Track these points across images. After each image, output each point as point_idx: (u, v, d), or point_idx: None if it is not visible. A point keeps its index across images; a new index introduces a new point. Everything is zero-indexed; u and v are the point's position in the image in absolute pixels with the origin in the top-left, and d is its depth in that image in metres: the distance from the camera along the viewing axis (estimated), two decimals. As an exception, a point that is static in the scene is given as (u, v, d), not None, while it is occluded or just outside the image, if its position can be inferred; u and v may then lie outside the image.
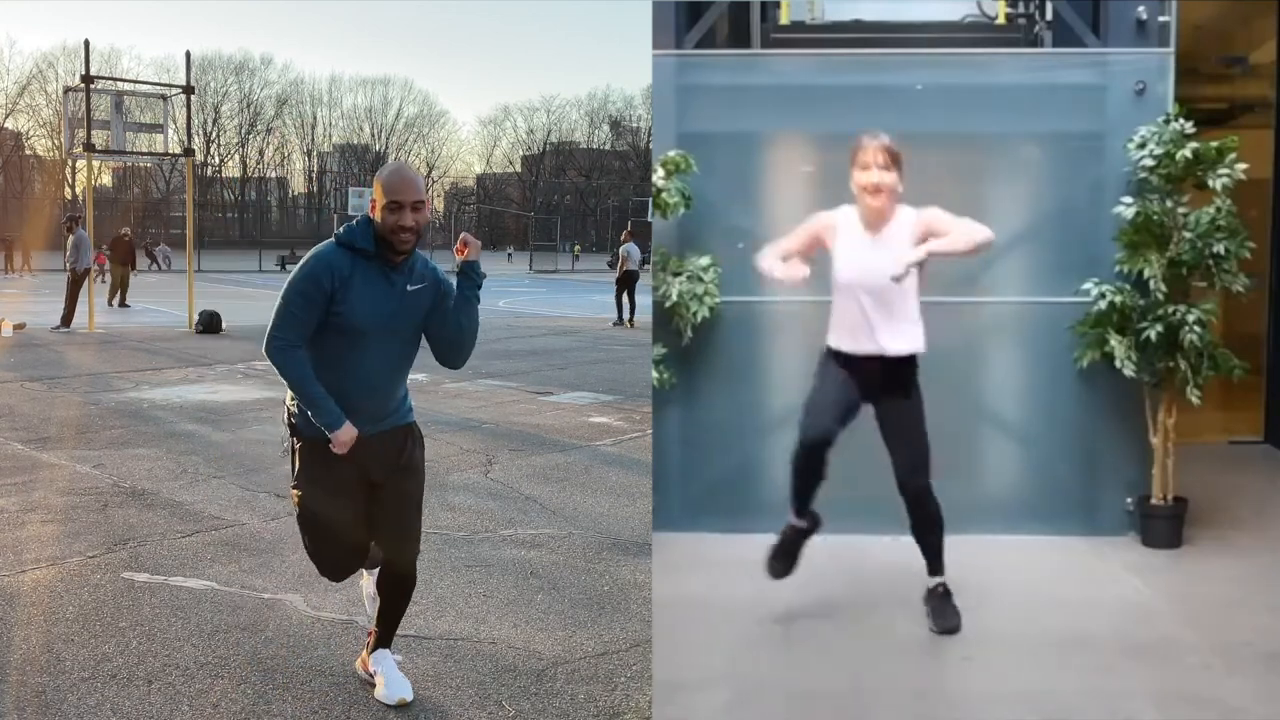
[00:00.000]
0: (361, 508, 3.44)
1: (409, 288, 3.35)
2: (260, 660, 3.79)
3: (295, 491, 3.44)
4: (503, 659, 3.84)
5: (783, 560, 4.13)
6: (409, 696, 3.47)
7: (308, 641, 3.98)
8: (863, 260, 3.90)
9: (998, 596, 4.34)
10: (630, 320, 19.18)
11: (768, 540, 4.40)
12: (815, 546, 4.64)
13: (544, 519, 5.81)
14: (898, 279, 3.81)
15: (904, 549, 4.24)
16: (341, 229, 3.35)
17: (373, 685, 3.55)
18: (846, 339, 3.96)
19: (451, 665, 3.80)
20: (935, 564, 4.08)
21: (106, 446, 7.48)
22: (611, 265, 54.75)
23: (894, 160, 3.82)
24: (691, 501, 5.09)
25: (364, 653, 3.67)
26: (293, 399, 3.38)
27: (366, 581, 3.75)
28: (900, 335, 3.90)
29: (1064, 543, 4.89)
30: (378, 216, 3.27)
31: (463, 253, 3.45)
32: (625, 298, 19.43)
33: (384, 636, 3.61)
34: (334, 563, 3.56)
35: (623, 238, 20.76)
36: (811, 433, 3.95)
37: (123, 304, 21.51)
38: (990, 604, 4.25)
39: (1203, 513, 5.09)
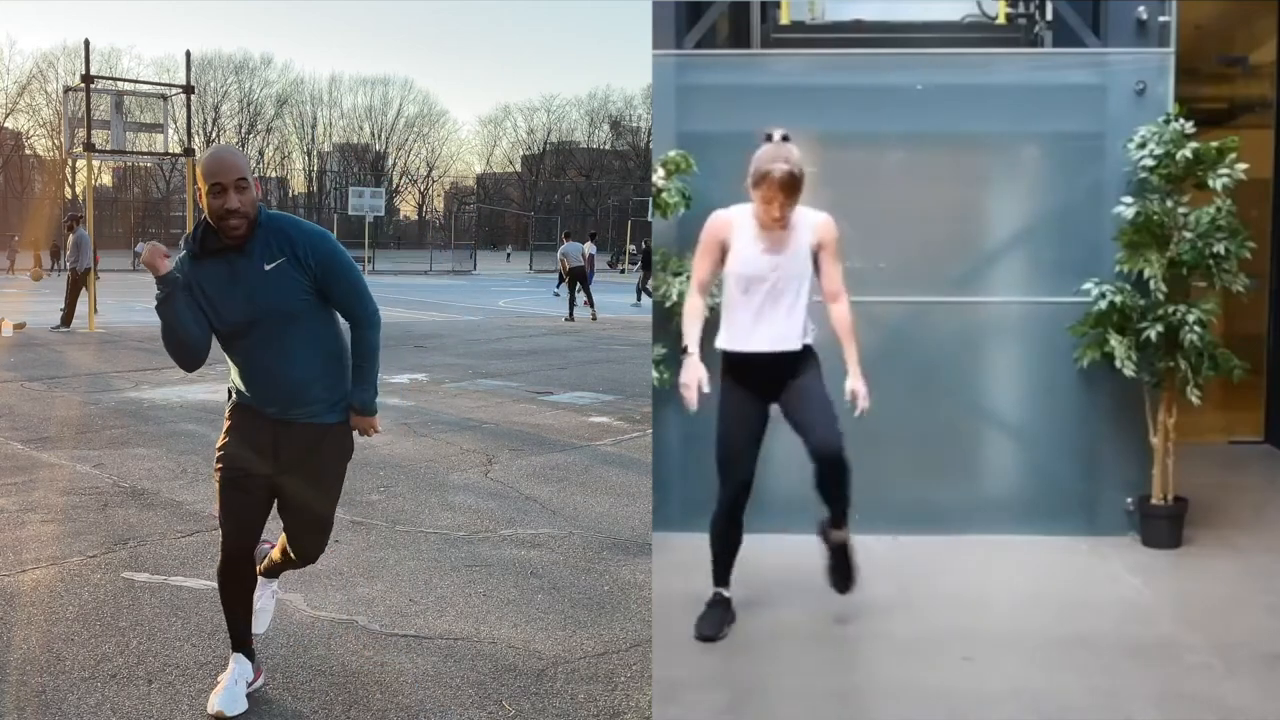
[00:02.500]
0: (267, 482, 3.39)
1: (265, 267, 3.19)
2: (260, 660, 3.78)
3: (219, 454, 3.45)
4: (503, 659, 3.84)
5: (713, 628, 4.02)
6: (261, 630, 3.71)
7: (308, 641, 3.98)
8: (762, 256, 3.86)
9: (998, 596, 4.34)
10: (584, 312, 20.51)
11: (768, 540, 4.40)
12: (815, 547, 4.64)
13: (544, 519, 5.81)
14: (861, 412, 3.87)
15: (904, 549, 4.26)
16: (184, 239, 3.32)
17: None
18: (740, 337, 3.90)
19: (451, 665, 3.80)
20: (839, 515, 4.02)
21: (106, 446, 7.48)
22: (612, 265, 54.89)
23: (796, 188, 3.73)
24: (691, 501, 5.08)
25: (264, 563, 3.71)
26: (232, 377, 3.40)
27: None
28: (796, 331, 3.86)
29: (1064, 543, 4.89)
30: (204, 205, 3.18)
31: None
32: (578, 292, 20.82)
33: (271, 571, 3.74)
34: (228, 523, 3.43)
35: (563, 239, 22.80)
36: (732, 485, 3.94)
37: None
38: (990, 604, 4.25)
39: (1203, 513, 5.09)
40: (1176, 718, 3.39)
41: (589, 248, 27.51)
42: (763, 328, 3.87)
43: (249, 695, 3.45)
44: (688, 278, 4.89)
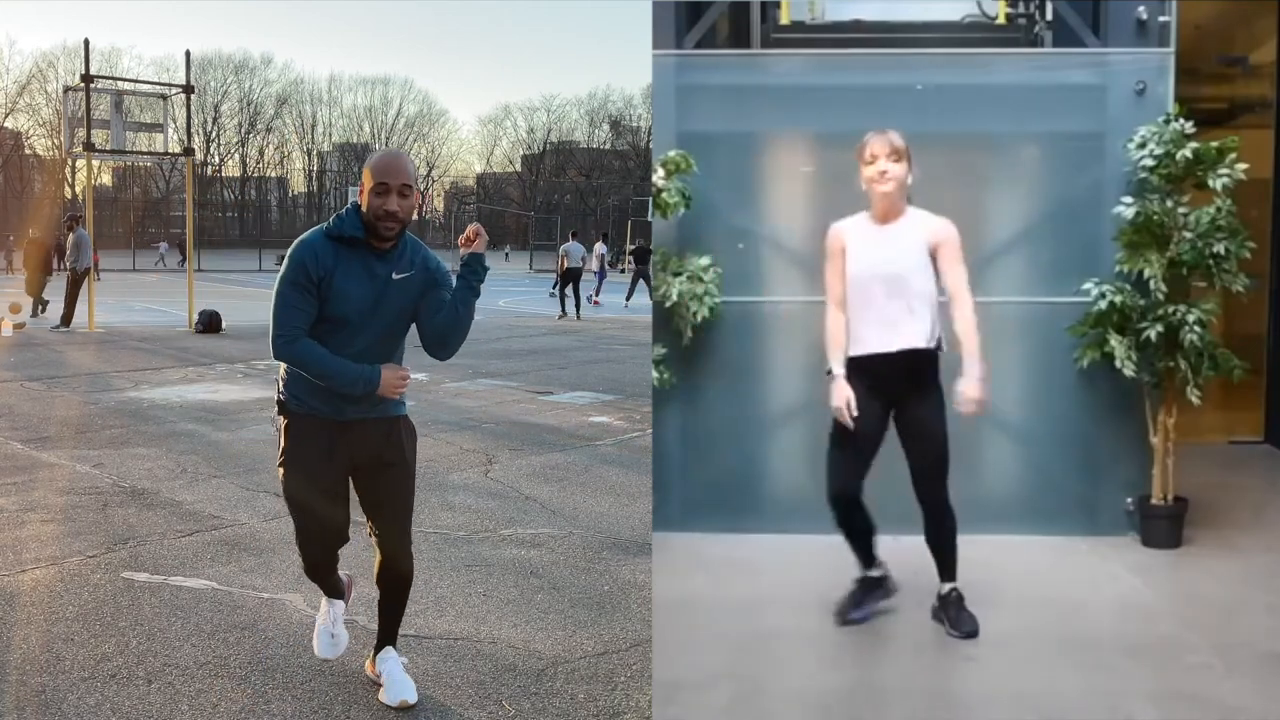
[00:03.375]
0: (342, 489, 3.43)
1: (395, 276, 3.31)
2: (260, 660, 3.79)
3: (281, 470, 3.44)
4: (503, 659, 3.84)
5: (850, 605, 4.09)
6: (411, 699, 3.45)
7: (308, 641, 3.98)
8: (874, 253, 3.90)
9: (998, 596, 4.34)
10: (571, 313, 21.01)
11: (768, 540, 4.41)
12: (815, 546, 4.65)
13: (544, 519, 5.81)
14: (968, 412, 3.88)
15: (905, 549, 4.25)
16: (331, 219, 3.34)
17: (377, 681, 3.55)
18: (867, 337, 3.91)
19: (451, 665, 3.80)
20: (948, 570, 4.06)
21: (106, 446, 7.48)
22: (612, 265, 54.82)
23: (901, 154, 3.85)
24: (691, 501, 5.09)
25: (370, 656, 3.65)
26: (284, 376, 3.39)
27: (323, 611, 3.71)
28: (918, 331, 3.88)
29: (1064, 543, 4.89)
30: (364, 202, 3.24)
31: (468, 245, 3.40)
32: (570, 292, 21.27)
33: (385, 634, 3.60)
34: (315, 543, 3.48)
35: (569, 237, 23.26)
36: (840, 495, 3.96)
37: (36, 313, 18.21)
38: (990, 604, 4.24)
39: (1203, 513, 5.09)
40: (1176, 718, 3.39)
41: (599, 247, 27.97)
42: (874, 327, 3.89)
43: (264, 695, 3.45)
44: (688, 277, 4.90)
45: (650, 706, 3.49)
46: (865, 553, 4.11)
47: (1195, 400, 4.71)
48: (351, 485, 3.48)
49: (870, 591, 4.12)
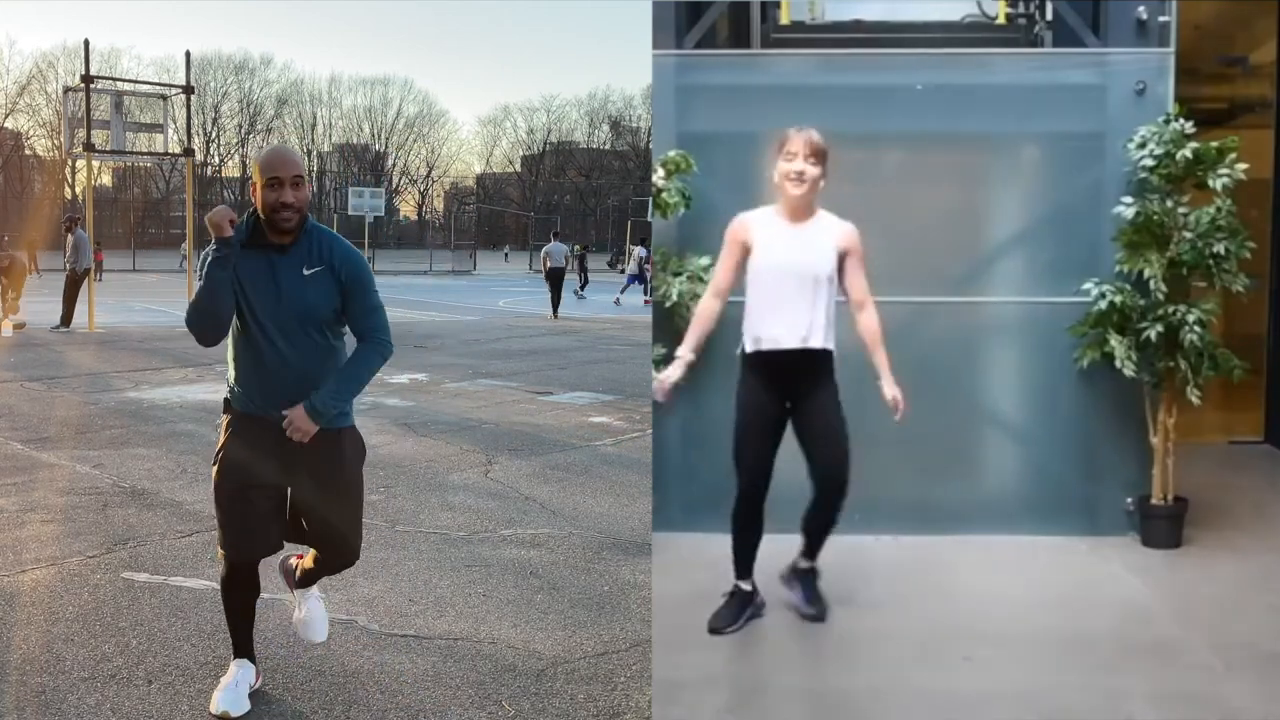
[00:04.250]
0: (277, 497, 3.41)
1: (304, 271, 3.28)
2: (260, 660, 3.79)
3: (215, 467, 3.43)
4: (503, 659, 3.84)
5: (727, 621, 4.04)
6: (322, 638, 3.67)
7: (307, 641, 3.98)
8: (782, 249, 3.89)
9: (998, 596, 4.34)
10: (554, 312, 21.45)
11: (768, 540, 4.39)
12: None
13: (544, 519, 5.81)
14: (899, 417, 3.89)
15: (905, 549, 4.26)
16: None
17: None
18: (762, 332, 3.90)
19: (451, 665, 3.80)
20: (813, 551, 4.11)
21: (106, 446, 7.48)
22: (611, 265, 54.85)
23: (819, 155, 3.83)
24: (691, 501, 5.08)
25: (296, 574, 3.71)
26: (233, 375, 3.39)
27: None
28: (815, 329, 3.87)
29: (1064, 543, 4.89)
30: (258, 200, 3.24)
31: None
32: (552, 292, 21.93)
33: (306, 580, 3.68)
34: (234, 537, 3.43)
35: (551, 238, 24.37)
36: (749, 485, 3.93)
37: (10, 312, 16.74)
38: (990, 604, 4.25)
39: (1203, 513, 5.09)
40: (1176, 718, 3.39)
41: (640, 251, 28.57)
42: (781, 324, 3.87)
43: (264, 696, 3.45)
44: (688, 277, 4.89)
45: (650, 706, 3.49)
46: (747, 561, 4.08)
47: (1195, 400, 4.71)
48: (290, 497, 3.45)
49: (745, 605, 4.08)
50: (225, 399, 3.46)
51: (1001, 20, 5.57)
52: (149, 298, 24.76)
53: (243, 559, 3.47)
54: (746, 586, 4.09)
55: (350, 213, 49.14)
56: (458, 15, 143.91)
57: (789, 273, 3.86)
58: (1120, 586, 4.47)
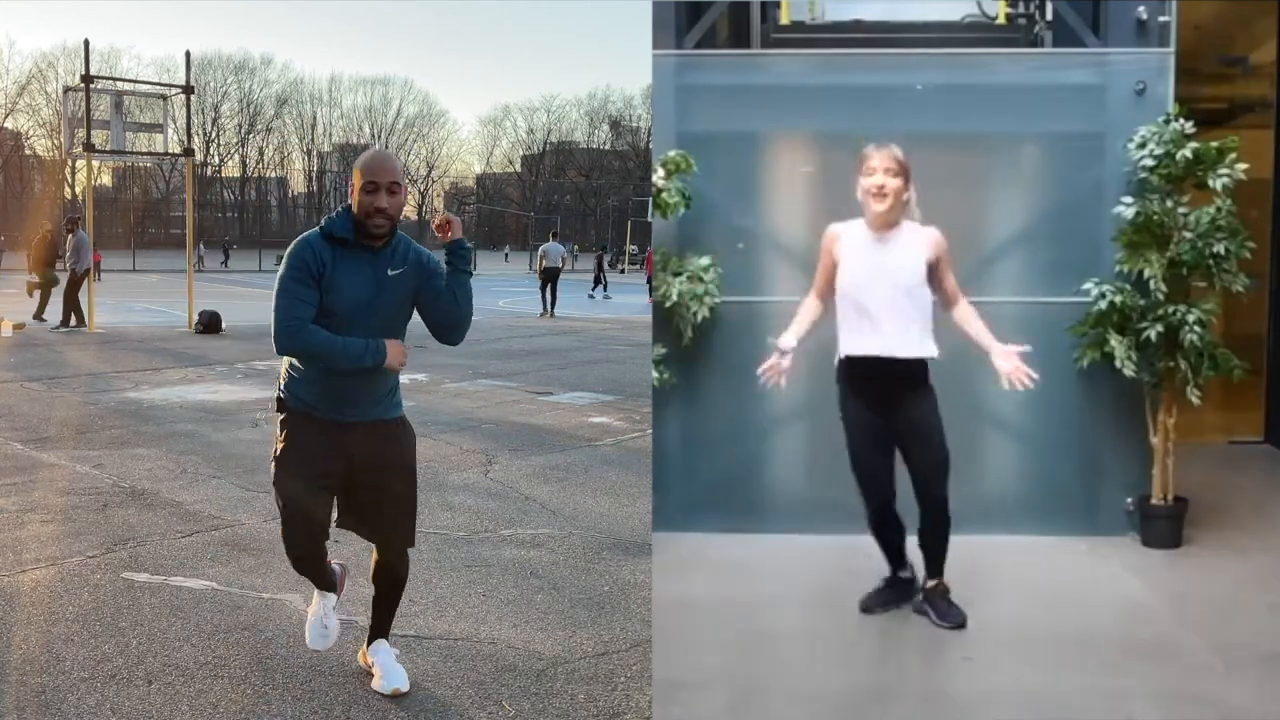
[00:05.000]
0: (335, 488, 3.45)
1: (390, 272, 3.36)
2: (260, 660, 3.79)
3: (274, 465, 3.47)
4: (503, 659, 3.84)
5: (877, 602, 4.16)
6: (404, 687, 3.52)
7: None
8: (869, 262, 3.94)
9: (998, 596, 4.34)
10: (551, 312, 21.62)
11: (768, 540, 4.41)
12: (815, 546, 4.65)
13: (544, 519, 5.81)
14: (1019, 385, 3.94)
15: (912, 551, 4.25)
16: (323, 219, 3.40)
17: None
18: (859, 342, 3.96)
19: (451, 665, 3.80)
20: (935, 568, 4.10)
21: (106, 446, 7.48)
22: (611, 265, 54.87)
23: (901, 169, 3.87)
24: (691, 501, 5.09)
25: (363, 645, 3.72)
26: (286, 375, 3.43)
27: (315, 604, 3.73)
28: (909, 339, 3.91)
29: (1064, 543, 4.88)
30: (354, 200, 3.31)
31: (445, 234, 3.40)
32: (548, 292, 21.97)
33: (379, 627, 3.67)
34: (300, 538, 3.49)
35: (549, 237, 24.67)
36: (875, 501, 4.03)
37: (39, 316, 17.04)
38: (990, 604, 4.25)
39: (1203, 513, 5.09)
40: (1176, 718, 3.39)
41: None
42: (879, 335, 3.91)
43: (264, 696, 3.45)
44: (688, 277, 4.90)
45: (650, 706, 3.49)
46: (895, 555, 4.18)
47: (1195, 400, 4.71)
48: (348, 489, 3.49)
49: (899, 592, 4.17)
50: (278, 398, 3.47)
51: (1001, 20, 5.57)
52: (149, 298, 24.76)
53: (306, 552, 3.56)
54: (904, 574, 4.18)
55: (350, 213, 49.01)
56: (458, 15, 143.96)
57: (875, 283, 3.91)
58: (1120, 586, 4.47)
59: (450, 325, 3.45)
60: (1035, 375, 3.91)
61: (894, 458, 4.01)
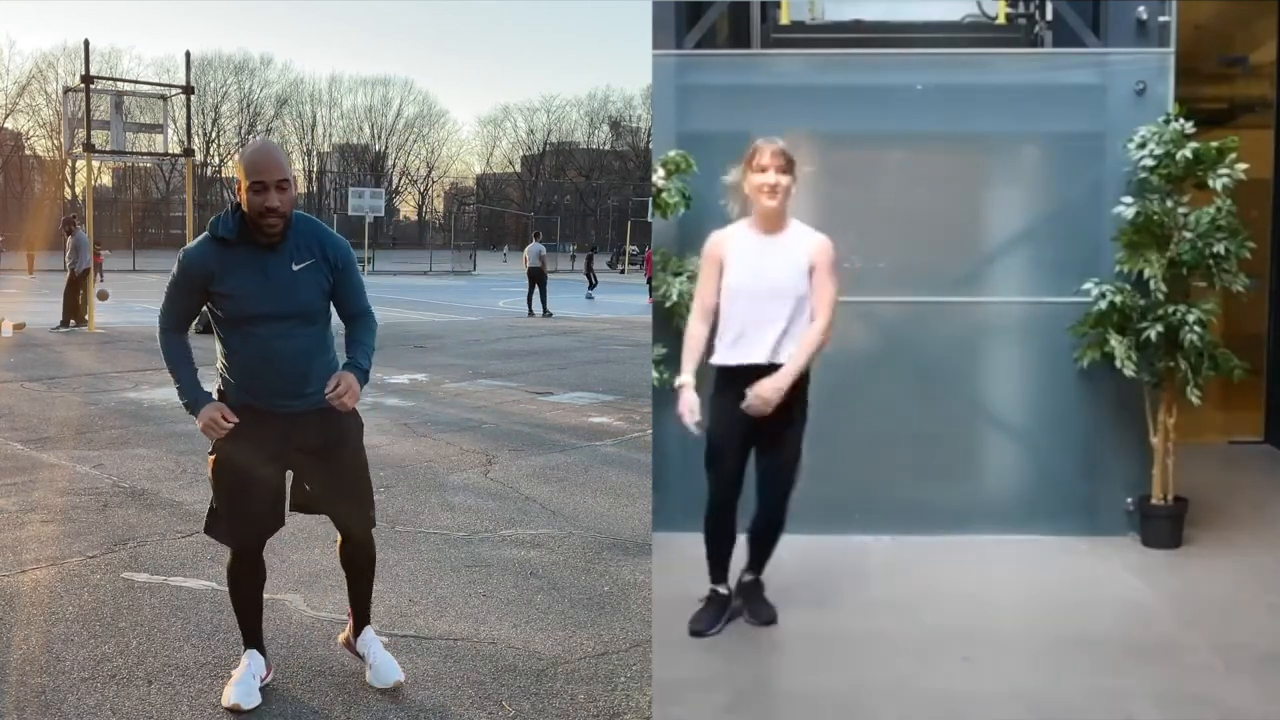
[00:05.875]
0: (276, 477, 3.44)
1: (294, 267, 3.28)
2: (269, 657, 3.78)
3: (212, 456, 3.43)
4: (503, 659, 3.84)
5: (706, 623, 4.04)
6: (401, 678, 3.53)
7: (307, 641, 3.98)
8: (755, 264, 3.88)
9: (998, 596, 4.34)
10: (544, 312, 21.92)
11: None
12: (815, 546, 4.64)
13: (544, 519, 5.81)
14: (750, 409, 3.80)
15: (904, 549, 4.26)
16: (212, 219, 3.34)
17: (362, 660, 3.61)
18: (733, 350, 3.89)
19: (451, 665, 3.80)
20: (758, 565, 4.12)
21: (106, 446, 7.48)
22: (611, 265, 54.91)
23: (789, 164, 3.83)
24: (691, 501, 5.07)
25: (346, 631, 3.73)
26: (222, 365, 3.43)
27: (242, 664, 3.58)
28: (789, 344, 3.84)
29: (1064, 543, 4.88)
30: (243, 199, 3.22)
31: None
32: (534, 293, 22.38)
33: (360, 615, 3.67)
34: (239, 524, 3.45)
35: (533, 238, 25.18)
36: (718, 493, 3.96)
37: (80, 321, 16.77)
38: (990, 604, 4.25)
39: (1203, 513, 5.09)
40: (1176, 718, 3.39)
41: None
42: (750, 339, 3.86)
43: (264, 695, 3.46)
44: (688, 277, 4.89)
45: (650, 706, 3.49)
46: (722, 567, 4.09)
47: (1195, 400, 4.71)
48: (298, 474, 3.50)
49: (723, 608, 4.08)
50: (218, 389, 3.46)
51: (1001, 20, 5.57)
52: (149, 298, 24.75)
53: (248, 543, 3.53)
54: (723, 590, 4.09)
55: (350, 213, 49.14)
56: (458, 15, 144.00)
57: (756, 287, 3.86)
58: (1120, 586, 4.47)
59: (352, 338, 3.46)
60: (764, 409, 3.79)
61: (747, 452, 3.94)
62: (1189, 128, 4.73)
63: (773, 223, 3.89)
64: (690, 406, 3.89)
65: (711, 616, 4.04)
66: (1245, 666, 3.70)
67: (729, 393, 3.92)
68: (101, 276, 18.67)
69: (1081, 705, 3.47)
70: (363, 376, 3.34)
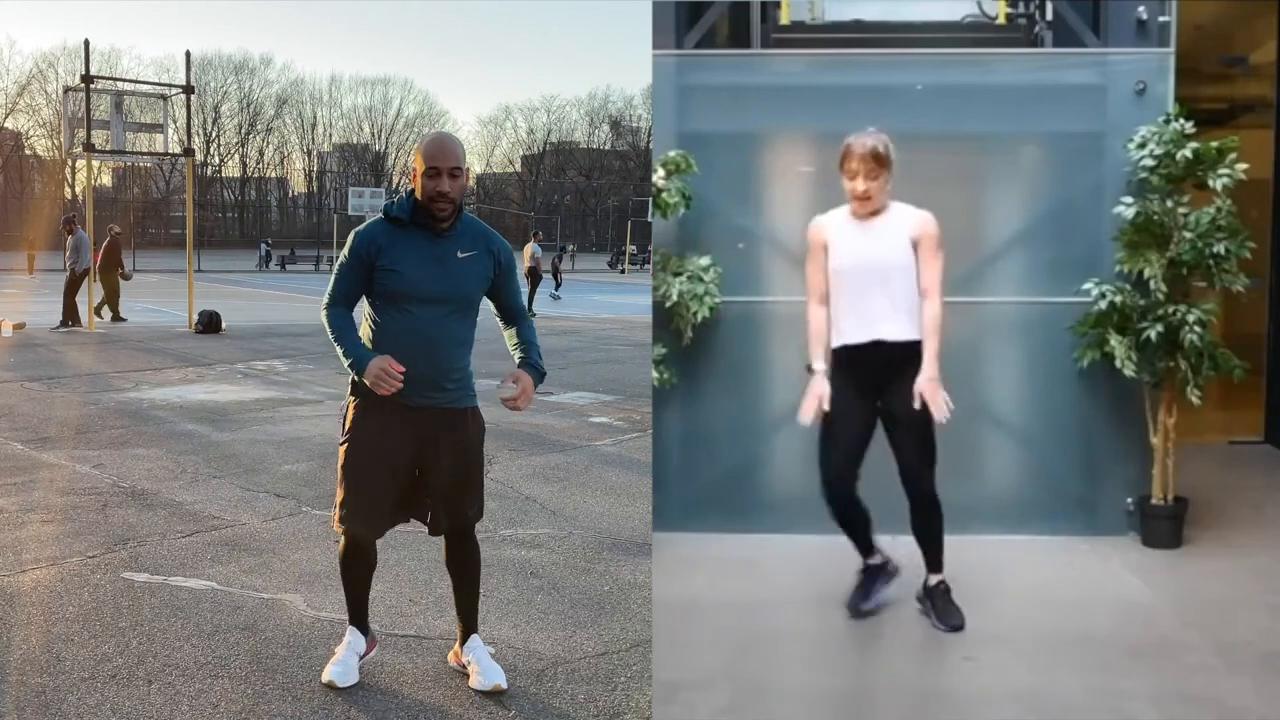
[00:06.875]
0: (402, 471, 3.48)
1: (459, 254, 3.42)
2: (260, 660, 3.79)
3: (342, 447, 3.50)
4: (503, 659, 3.84)
5: (860, 598, 4.13)
6: (503, 684, 3.56)
7: (308, 641, 3.98)
8: (857, 247, 3.95)
9: (998, 596, 4.34)
10: (544, 308, 22.80)
11: (768, 540, 4.40)
12: (815, 546, 4.65)
13: (544, 519, 5.81)
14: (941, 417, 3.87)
15: (904, 549, 4.24)
16: (385, 204, 3.52)
17: (466, 676, 3.63)
18: (847, 329, 3.96)
19: (453, 667, 3.79)
20: (935, 562, 4.09)
21: (106, 446, 7.48)
22: (611, 265, 54.91)
23: (880, 163, 3.86)
24: (691, 501, 5.09)
25: (455, 645, 3.76)
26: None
27: (344, 642, 3.71)
28: (899, 322, 3.91)
29: (1064, 543, 4.89)
30: (417, 185, 3.38)
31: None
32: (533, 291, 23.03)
33: (467, 624, 3.72)
34: (365, 515, 3.53)
35: (531, 237, 25.61)
36: (830, 478, 3.98)
37: (116, 317, 17.66)
38: (990, 604, 4.25)
39: (1203, 513, 5.09)
40: (1176, 718, 3.39)
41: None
42: (864, 320, 3.92)
43: (264, 696, 3.46)
44: (688, 277, 4.90)
45: (650, 706, 3.49)
46: (864, 542, 4.15)
47: (1195, 400, 4.71)
48: (426, 477, 3.54)
49: (875, 579, 4.16)
50: (353, 381, 3.48)
51: (1001, 20, 5.58)
52: (149, 298, 24.75)
53: (364, 533, 3.58)
54: (874, 560, 4.15)
55: (350, 213, 49.04)
56: (458, 15, 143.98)
57: (859, 268, 3.92)
58: (1120, 586, 4.47)
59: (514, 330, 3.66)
60: (952, 407, 3.87)
61: (863, 446, 3.98)
62: (1189, 128, 4.74)
63: (871, 210, 3.95)
64: (820, 395, 3.94)
65: (865, 589, 4.11)
66: (1245, 666, 3.70)
67: (842, 378, 3.97)
68: (123, 266, 18.49)
69: (1081, 705, 3.47)
70: (539, 377, 3.54)
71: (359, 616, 3.71)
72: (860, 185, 3.87)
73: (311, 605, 4.36)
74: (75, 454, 7.22)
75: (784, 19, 5.67)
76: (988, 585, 4.45)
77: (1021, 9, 5.73)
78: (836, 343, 4.00)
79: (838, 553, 4.55)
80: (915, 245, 3.94)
